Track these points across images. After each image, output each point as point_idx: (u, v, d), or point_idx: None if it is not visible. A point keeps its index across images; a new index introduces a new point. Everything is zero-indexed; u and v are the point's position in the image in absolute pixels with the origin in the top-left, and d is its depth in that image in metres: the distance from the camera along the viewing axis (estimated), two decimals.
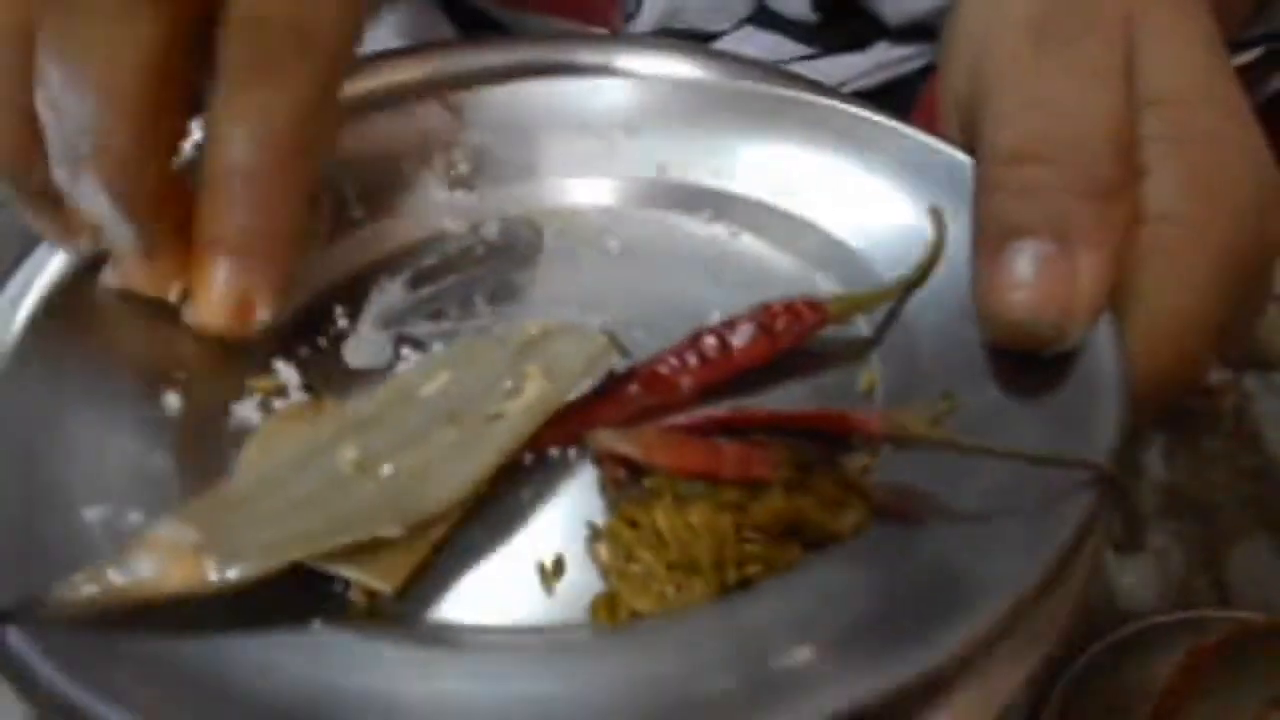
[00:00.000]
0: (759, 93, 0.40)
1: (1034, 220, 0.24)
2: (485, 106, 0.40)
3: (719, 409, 0.30)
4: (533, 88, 0.41)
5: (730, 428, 0.29)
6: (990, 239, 0.25)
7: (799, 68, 0.54)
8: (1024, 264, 0.24)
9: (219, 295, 0.30)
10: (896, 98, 0.53)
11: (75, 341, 0.33)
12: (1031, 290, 0.24)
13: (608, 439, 0.29)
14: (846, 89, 0.54)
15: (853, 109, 0.38)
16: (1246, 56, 0.43)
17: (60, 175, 0.29)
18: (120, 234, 0.31)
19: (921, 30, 0.54)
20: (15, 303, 0.33)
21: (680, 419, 0.30)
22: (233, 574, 0.25)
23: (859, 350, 0.33)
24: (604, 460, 0.29)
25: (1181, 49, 0.28)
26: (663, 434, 0.29)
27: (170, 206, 0.30)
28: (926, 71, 0.55)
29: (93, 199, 0.30)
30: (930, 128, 0.51)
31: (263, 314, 0.31)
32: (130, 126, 0.28)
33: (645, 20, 0.55)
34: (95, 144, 0.28)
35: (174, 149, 0.30)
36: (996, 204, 0.25)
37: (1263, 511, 0.43)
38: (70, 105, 0.28)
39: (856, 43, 0.55)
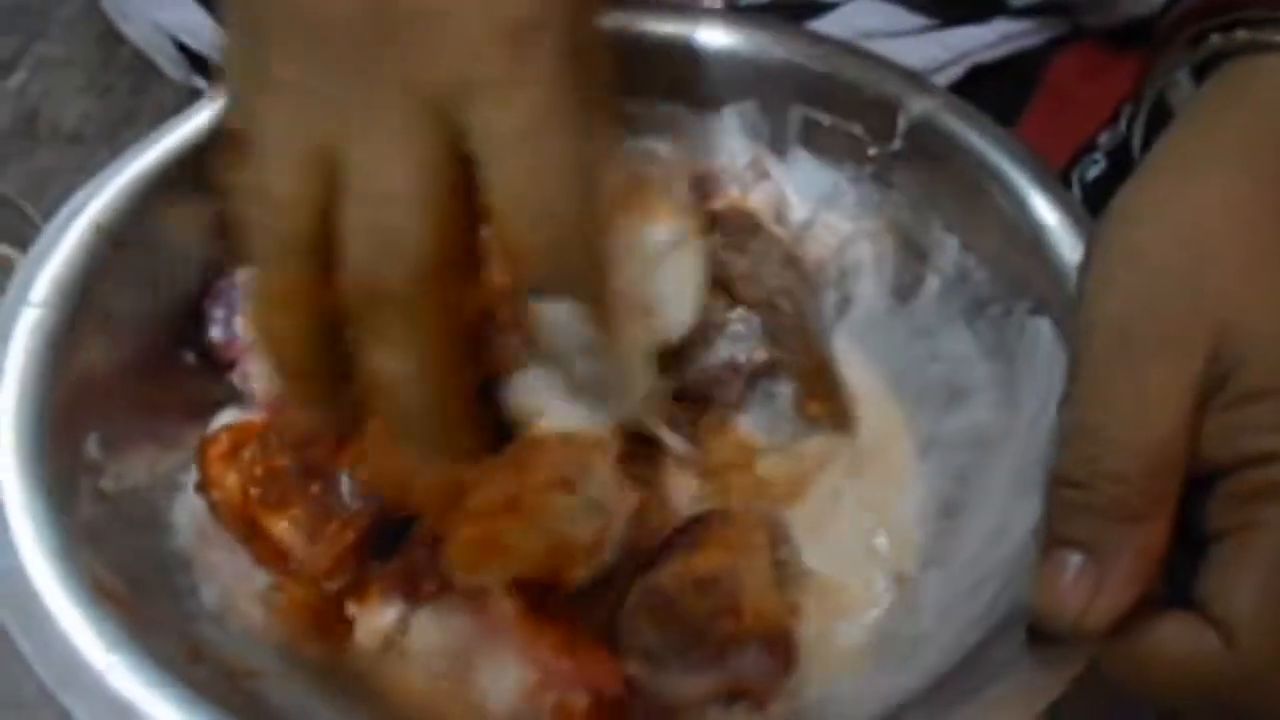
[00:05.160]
0: None
1: (1073, 534, 0.30)
2: None
3: None
4: None
5: None
6: (1046, 540, 0.31)
7: (923, 39, 0.52)
8: (1058, 568, 0.30)
9: None
10: (1022, 72, 0.51)
11: None
12: (1058, 592, 0.30)
13: None
14: (970, 61, 0.52)
15: None
16: None
17: None
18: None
19: (1044, 6, 0.52)
20: None
21: None
22: None
23: None
24: None
25: None
26: None
27: None
28: (1054, 44, 0.53)
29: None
30: (1056, 105, 0.49)
31: None
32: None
33: None
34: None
35: None
36: (1052, 513, 0.31)
37: None
38: None
39: (975, 15, 0.53)
